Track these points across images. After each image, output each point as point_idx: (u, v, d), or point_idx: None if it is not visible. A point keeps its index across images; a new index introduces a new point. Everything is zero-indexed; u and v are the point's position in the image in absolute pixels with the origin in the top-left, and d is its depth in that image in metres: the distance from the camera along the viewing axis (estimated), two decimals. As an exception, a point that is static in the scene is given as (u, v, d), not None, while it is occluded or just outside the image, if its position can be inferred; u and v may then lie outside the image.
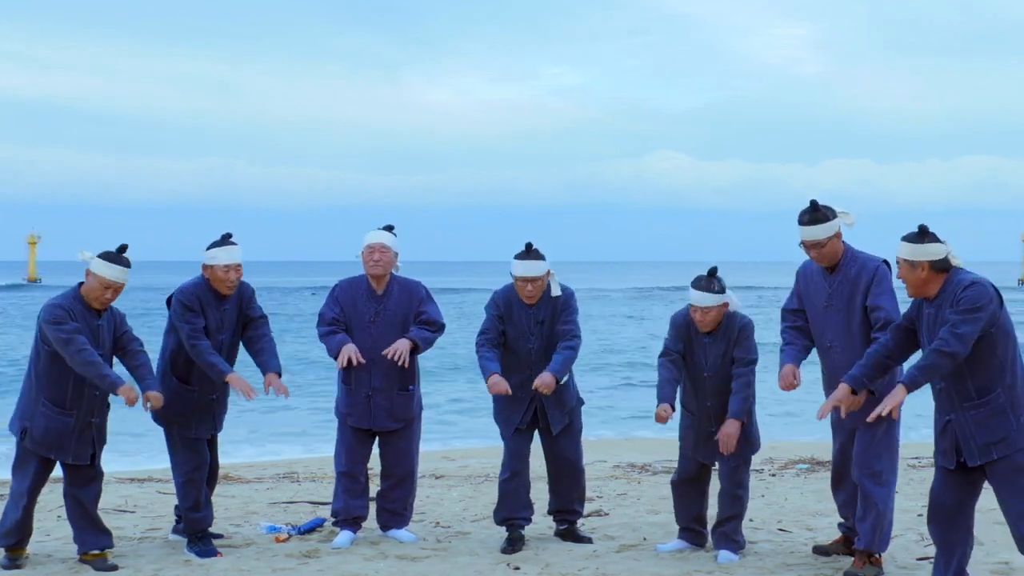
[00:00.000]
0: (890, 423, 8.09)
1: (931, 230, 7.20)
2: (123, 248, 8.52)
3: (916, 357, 7.35)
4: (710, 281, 8.57)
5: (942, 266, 7.11)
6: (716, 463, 8.87)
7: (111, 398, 8.55)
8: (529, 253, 9.03)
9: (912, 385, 6.96)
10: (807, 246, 8.24)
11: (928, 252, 7.10)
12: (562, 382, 8.97)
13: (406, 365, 9.14)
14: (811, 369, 8.59)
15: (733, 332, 8.66)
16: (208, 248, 8.93)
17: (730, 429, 8.55)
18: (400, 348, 9.06)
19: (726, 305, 8.63)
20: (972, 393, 7.03)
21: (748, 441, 8.72)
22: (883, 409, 7.00)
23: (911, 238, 7.18)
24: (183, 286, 8.96)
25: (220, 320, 8.96)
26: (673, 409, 8.58)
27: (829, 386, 8.35)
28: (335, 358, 9.17)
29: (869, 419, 7.26)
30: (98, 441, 8.55)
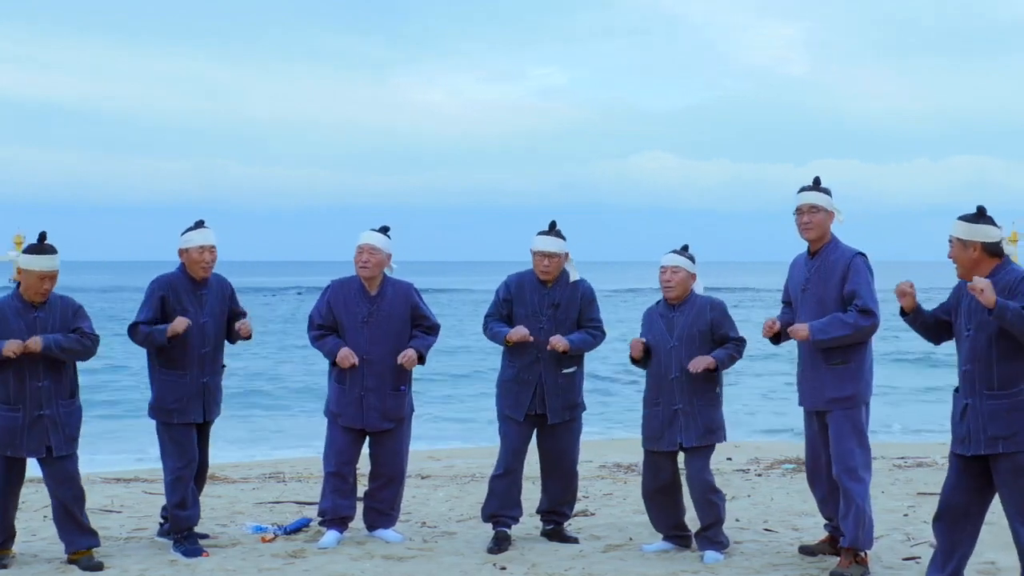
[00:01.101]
0: (860, 419, 8.22)
1: (987, 213, 7.20)
2: (43, 236, 8.54)
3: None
4: (683, 250, 8.90)
5: (994, 250, 7.12)
6: (681, 450, 8.81)
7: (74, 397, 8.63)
8: (552, 230, 9.18)
9: (1001, 311, 6.80)
10: (801, 211, 8.38)
11: (982, 233, 7.10)
12: (571, 352, 9.04)
13: (413, 364, 9.23)
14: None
15: (706, 311, 8.81)
16: (182, 234, 9.07)
17: (703, 360, 8.67)
18: (410, 355, 9.17)
19: (693, 277, 8.87)
20: (995, 382, 7.04)
21: (712, 430, 8.77)
22: (979, 284, 6.86)
23: (967, 217, 7.18)
24: (157, 276, 9.13)
25: (199, 305, 9.03)
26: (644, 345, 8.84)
27: (802, 370, 8.50)
28: (333, 362, 9.23)
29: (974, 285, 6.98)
30: (54, 435, 8.46)
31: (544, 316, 9.12)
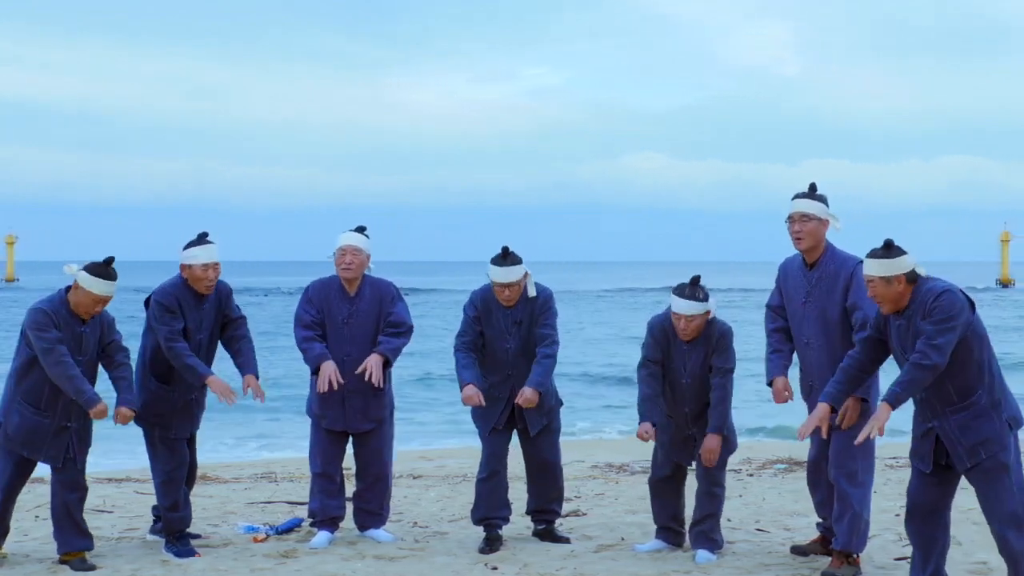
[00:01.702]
0: (863, 424, 8.15)
1: (895, 242, 7.15)
2: (110, 260, 8.45)
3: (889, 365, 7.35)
4: (694, 289, 8.54)
5: (913, 277, 7.08)
6: (692, 463, 8.87)
7: None
8: (506, 259, 9.01)
9: (896, 402, 6.91)
10: (792, 219, 8.27)
11: (902, 265, 7.04)
12: (541, 391, 8.98)
13: (381, 385, 9.13)
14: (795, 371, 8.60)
15: (712, 339, 8.65)
16: (185, 248, 8.90)
17: (711, 444, 8.58)
18: (372, 365, 9.06)
19: (708, 313, 8.62)
20: (954, 397, 7.01)
21: (726, 442, 8.73)
22: (869, 431, 6.95)
23: (880, 254, 7.09)
24: (161, 287, 8.92)
25: (199, 320, 8.95)
26: (654, 426, 8.62)
27: (805, 383, 8.44)
28: (312, 371, 9.16)
29: (857, 442, 7.18)
30: (77, 445, 8.49)
31: (510, 335, 9.11)
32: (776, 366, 8.49)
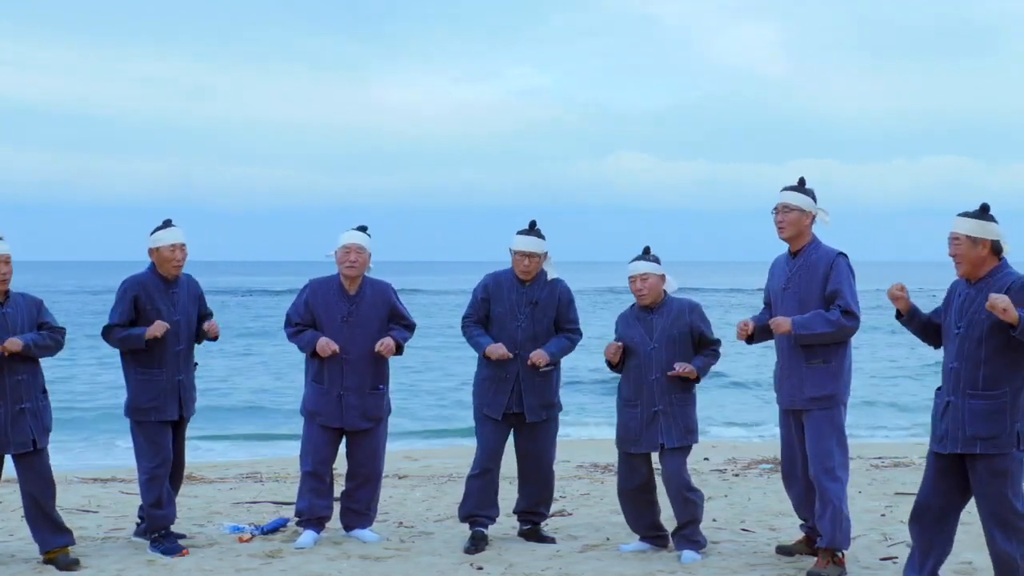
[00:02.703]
0: (839, 417, 8.23)
1: (989, 209, 7.18)
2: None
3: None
4: (645, 254, 8.86)
5: (998, 248, 7.11)
6: (659, 452, 8.82)
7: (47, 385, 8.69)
8: (532, 230, 9.19)
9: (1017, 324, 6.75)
10: (777, 209, 8.41)
11: (992, 231, 7.08)
12: (552, 361, 9.07)
13: (391, 353, 9.25)
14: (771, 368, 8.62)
15: (684, 312, 8.81)
16: (152, 233, 9.09)
17: (681, 369, 8.67)
18: (387, 343, 9.17)
19: (664, 278, 8.83)
20: (980, 382, 7.03)
21: (691, 431, 8.78)
22: (1000, 302, 6.75)
23: (975, 214, 7.13)
24: (128, 277, 9.12)
25: (171, 303, 9.04)
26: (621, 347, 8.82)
27: (781, 370, 8.49)
28: (311, 354, 9.22)
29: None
30: (36, 427, 8.49)
31: (522, 314, 9.13)
32: (754, 318, 8.72)
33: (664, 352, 8.71)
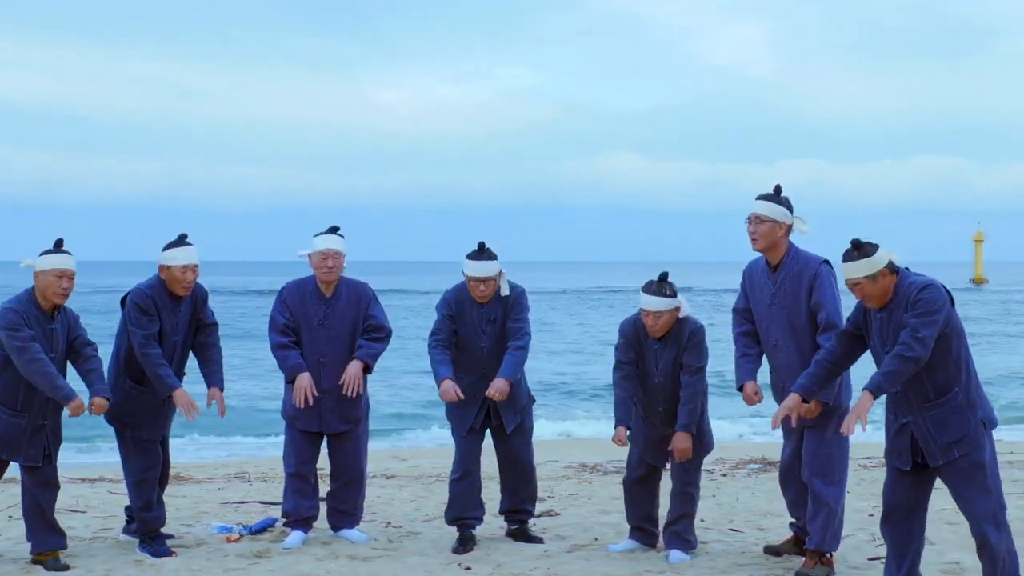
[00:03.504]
0: (839, 422, 8.18)
1: (862, 240, 7.12)
2: (60, 242, 8.52)
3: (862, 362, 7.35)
4: (662, 286, 8.55)
5: (894, 267, 7.10)
6: (667, 465, 8.88)
7: None
8: (482, 253, 9.02)
9: (877, 392, 6.88)
10: (750, 219, 8.29)
11: (880, 259, 7.03)
12: (512, 383, 8.97)
13: (359, 393, 9.15)
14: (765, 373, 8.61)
15: (683, 337, 8.65)
16: (164, 249, 8.85)
17: (682, 444, 8.58)
18: (351, 376, 9.07)
19: (678, 310, 8.62)
20: (930, 394, 7.00)
21: (701, 443, 8.74)
22: (852, 423, 6.88)
23: (856, 256, 7.06)
24: (138, 287, 8.88)
25: (175, 322, 8.91)
26: (629, 430, 8.64)
27: (776, 383, 8.45)
28: (288, 379, 9.18)
29: (842, 430, 7.06)
30: (52, 442, 8.49)
31: (484, 333, 9.10)
32: (745, 371, 8.50)
33: (670, 385, 8.64)
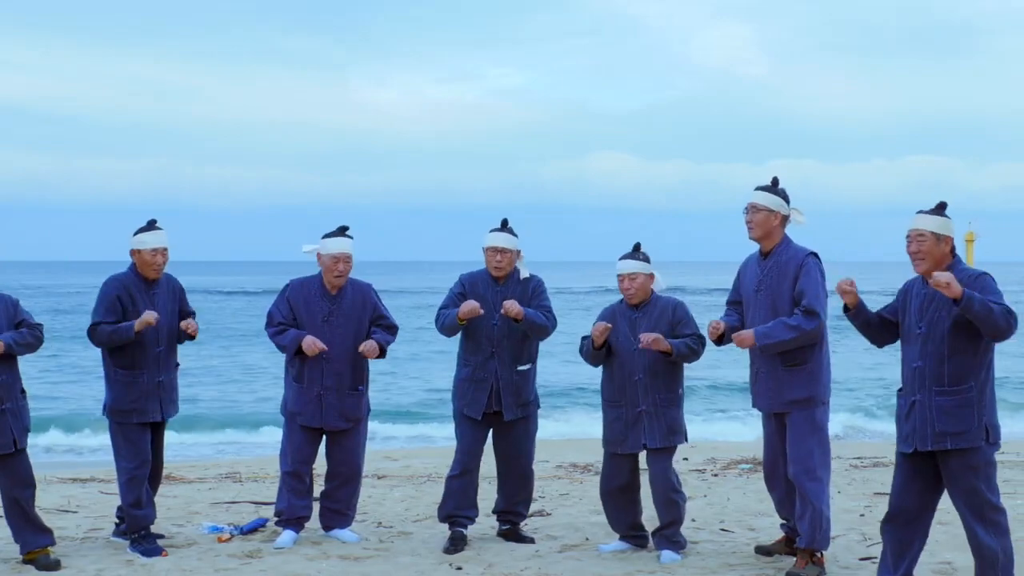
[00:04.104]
0: (820, 418, 8.24)
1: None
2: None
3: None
4: (635, 252, 8.85)
5: (955, 250, 7.18)
6: (645, 451, 8.83)
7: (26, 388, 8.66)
8: (504, 227, 9.20)
9: (968, 304, 6.75)
10: (746, 209, 8.42)
11: (952, 229, 7.16)
12: (522, 321, 8.97)
13: (374, 355, 9.20)
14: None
15: (668, 310, 8.80)
16: (135, 234, 9.02)
17: (654, 342, 8.60)
18: (370, 345, 9.15)
19: (652, 277, 8.84)
20: (945, 379, 7.04)
21: (675, 431, 8.77)
22: (943, 277, 6.77)
23: (938, 212, 7.19)
24: (111, 275, 9.06)
25: (151, 304, 8.96)
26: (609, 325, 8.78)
27: (753, 372, 8.51)
28: (295, 353, 9.18)
29: (936, 277, 6.88)
30: (16, 428, 8.45)
31: (497, 313, 9.11)
32: (723, 318, 8.64)
33: (648, 353, 8.70)
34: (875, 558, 8.57)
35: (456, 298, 9.21)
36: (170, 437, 9.60)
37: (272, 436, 9.57)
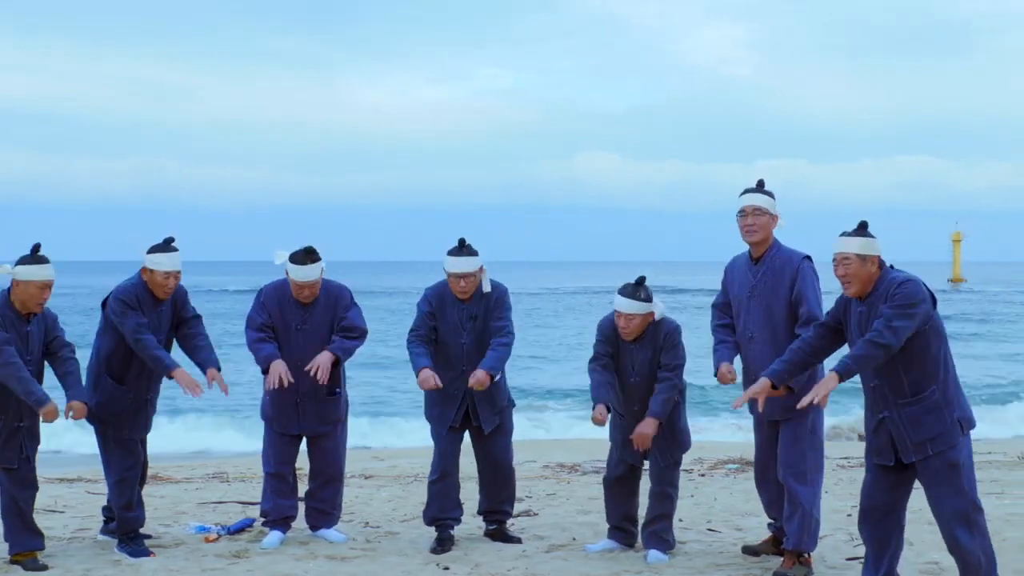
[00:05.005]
0: (815, 422, 8.21)
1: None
2: (37, 247, 8.44)
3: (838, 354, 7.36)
4: (636, 289, 8.58)
5: (882, 262, 7.16)
6: (646, 463, 8.89)
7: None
8: (462, 249, 9.02)
9: (845, 373, 6.92)
10: (745, 213, 8.33)
11: (876, 247, 7.13)
12: (495, 379, 8.98)
13: (325, 382, 9.05)
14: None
15: (659, 338, 8.66)
16: (149, 252, 8.81)
17: (646, 429, 8.57)
18: (320, 363, 8.99)
19: (651, 315, 8.63)
20: (907, 390, 7.02)
21: (677, 441, 8.76)
22: (816, 396, 6.96)
23: (861, 232, 7.17)
24: (121, 285, 8.87)
25: (157, 321, 8.88)
26: (609, 411, 8.61)
27: (748, 377, 8.43)
28: (263, 371, 9.10)
29: (800, 405, 7.21)
30: (28, 444, 8.46)
31: (464, 330, 9.08)
32: (722, 355, 8.53)
33: (644, 385, 8.65)
34: (862, 558, 8.58)
35: (426, 317, 9.09)
36: (156, 436, 9.54)
37: (259, 435, 9.53)
